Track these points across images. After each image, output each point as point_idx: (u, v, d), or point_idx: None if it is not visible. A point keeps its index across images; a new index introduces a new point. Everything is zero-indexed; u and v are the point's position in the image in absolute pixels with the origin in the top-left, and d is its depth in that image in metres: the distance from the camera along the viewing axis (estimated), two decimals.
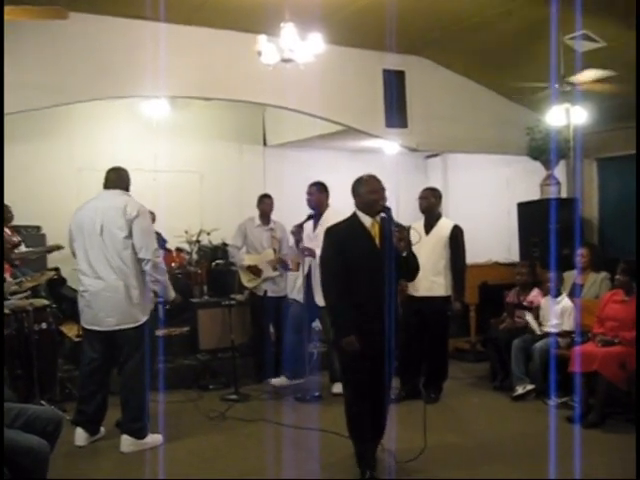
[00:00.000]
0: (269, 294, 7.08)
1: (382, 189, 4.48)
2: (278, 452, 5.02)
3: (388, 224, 4.36)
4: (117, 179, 5.15)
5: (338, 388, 6.08)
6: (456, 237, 6.31)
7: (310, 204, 6.62)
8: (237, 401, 6.28)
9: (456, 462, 4.77)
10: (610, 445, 5.04)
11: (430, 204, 6.41)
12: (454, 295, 6.28)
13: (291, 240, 7.40)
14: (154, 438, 5.12)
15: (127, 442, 4.99)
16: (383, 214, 4.38)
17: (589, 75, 6.96)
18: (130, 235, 4.91)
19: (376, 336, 4.27)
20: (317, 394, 6.42)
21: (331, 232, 4.49)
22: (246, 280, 7.19)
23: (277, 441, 5.26)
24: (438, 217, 6.42)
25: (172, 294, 5.35)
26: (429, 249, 6.17)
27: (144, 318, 5.03)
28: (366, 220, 4.43)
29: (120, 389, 5.12)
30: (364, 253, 4.33)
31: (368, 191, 4.43)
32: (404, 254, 4.35)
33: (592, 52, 7.22)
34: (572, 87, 6.91)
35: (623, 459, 4.71)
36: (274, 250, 7.06)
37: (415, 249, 6.32)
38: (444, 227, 6.34)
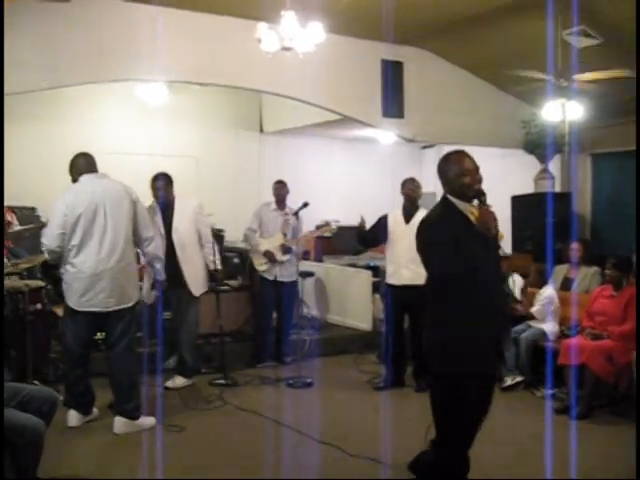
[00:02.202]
0: (279, 278, 7.14)
1: (474, 169, 3.57)
2: (267, 438, 5.08)
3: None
4: (92, 163, 5.12)
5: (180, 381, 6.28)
6: None
7: None
8: (226, 386, 6.33)
9: None
10: (597, 436, 5.11)
11: (417, 194, 6.50)
12: None
13: (305, 228, 7.48)
14: (148, 420, 5.17)
15: (120, 423, 5.04)
16: (477, 201, 3.52)
17: (591, 75, 6.98)
18: (134, 216, 5.01)
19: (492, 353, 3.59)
20: (309, 380, 6.48)
21: (433, 227, 3.59)
22: (258, 263, 7.24)
23: (266, 427, 5.32)
24: (418, 207, 6.47)
25: (164, 275, 5.57)
26: (410, 238, 6.19)
27: (137, 296, 5.14)
28: (464, 207, 3.57)
29: (111, 370, 5.13)
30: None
31: (457, 174, 3.54)
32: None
33: (589, 48, 7.27)
34: (569, 82, 6.93)
35: (610, 450, 4.83)
36: (284, 235, 7.10)
37: (396, 239, 6.46)
38: None
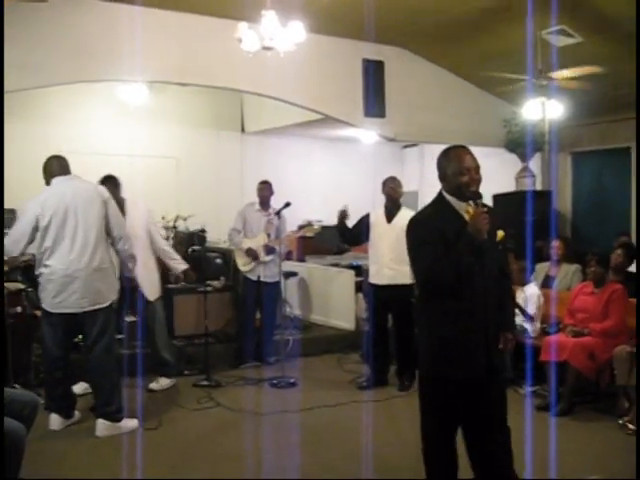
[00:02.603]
0: (262, 279, 7.12)
1: (474, 167, 3.36)
2: (253, 438, 5.07)
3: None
4: (65, 166, 5.11)
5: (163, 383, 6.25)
6: None
7: None
8: (209, 387, 6.31)
9: None
10: (578, 433, 5.15)
11: (398, 194, 6.51)
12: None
13: (289, 228, 7.47)
14: (130, 423, 5.14)
15: (102, 426, 5.01)
16: (472, 202, 3.32)
17: (568, 73, 7.03)
18: (106, 216, 4.99)
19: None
20: (292, 380, 6.47)
21: (423, 225, 3.42)
22: (241, 264, 7.22)
23: (250, 427, 5.31)
24: (399, 207, 6.48)
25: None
26: (392, 238, 6.27)
27: (113, 297, 5.09)
28: (459, 206, 3.37)
29: (90, 373, 5.12)
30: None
31: (455, 172, 3.34)
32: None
33: (568, 47, 7.32)
34: (548, 81, 6.98)
35: (591, 446, 4.87)
36: (267, 235, 7.08)
37: (378, 238, 6.47)
38: (406, 217, 6.38)
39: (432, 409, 3.41)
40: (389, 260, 6.29)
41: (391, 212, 6.42)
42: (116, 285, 5.22)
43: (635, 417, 5.10)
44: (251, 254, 7.08)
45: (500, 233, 3.45)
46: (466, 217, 3.31)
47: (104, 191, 5.07)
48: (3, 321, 5.21)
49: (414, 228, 3.43)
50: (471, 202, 3.30)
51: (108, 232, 5.05)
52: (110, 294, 5.06)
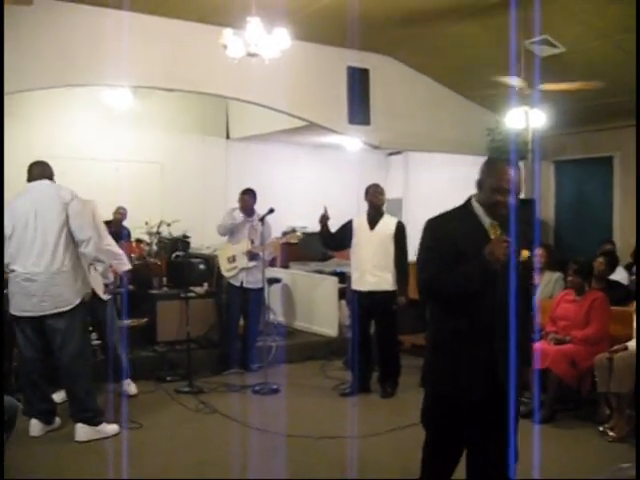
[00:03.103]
0: (245, 285, 7.11)
1: (510, 188, 3.08)
2: (233, 445, 5.05)
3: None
4: (42, 171, 5.12)
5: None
6: (400, 233, 6.41)
7: None
8: (191, 393, 6.28)
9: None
10: (561, 440, 5.16)
11: (381, 200, 6.51)
12: (399, 290, 6.37)
13: (274, 234, 7.44)
14: (110, 427, 5.09)
15: (81, 431, 4.96)
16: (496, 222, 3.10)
17: (559, 87, 7.09)
18: (66, 219, 4.92)
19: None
20: (275, 387, 6.46)
21: (433, 227, 3.20)
22: (225, 269, 7.20)
23: (233, 434, 5.29)
24: (382, 213, 6.50)
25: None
26: (375, 245, 6.30)
27: (77, 301, 4.97)
28: (484, 217, 3.14)
29: (62, 379, 5.09)
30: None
31: (492, 187, 3.09)
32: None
33: (552, 56, 7.39)
34: (531, 90, 7.03)
35: (573, 453, 4.88)
36: (251, 241, 7.06)
37: (361, 245, 6.47)
38: (389, 223, 6.45)
39: (432, 426, 3.31)
40: (372, 267, 6.31)
41: (374, 219, 6.43)
42: (83, 289, 5.07)
43: (618, 423, 5.14)
44: (230, 259, 7.06)
45: (525, 253, 3.18)
46: (491, 233, 3.08)
47: (66, 194, 4.98)
48: (3, 322, 5.18)
49: (426, 229, 3.20)
50: (495, 222, 3.09)
51: (72, 235, 4.98)
52: (73, 298, 4.95)
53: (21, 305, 4.94)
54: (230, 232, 7.19)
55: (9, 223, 4.93)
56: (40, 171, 5.11)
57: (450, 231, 3.10)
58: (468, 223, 3.14)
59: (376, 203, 6.46)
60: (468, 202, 3.21)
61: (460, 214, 3.20)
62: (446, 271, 3.03)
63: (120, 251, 6.00)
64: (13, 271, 4.93)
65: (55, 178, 5.18)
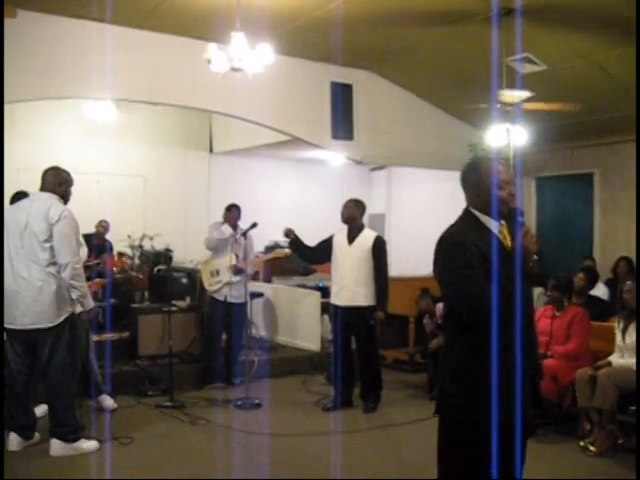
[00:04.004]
0: (229, 299, 7.08)
1: (511, 181, 2.99)
2: (216, 459, 5.03)
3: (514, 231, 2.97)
4: (52, 181, 5.08)
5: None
6: (378, 248, 6.39)
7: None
8: (173, 408, 6.24)
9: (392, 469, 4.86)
10: (542, 454, 5.16)
11: (352, 214, 6.46)
12: (377, 304, 6.34)
13: (256, 249, 7.42)
14: (87, 444, 5.04)
15: (56, 446, 4.91)
16: (503, 221, 2.98)
17: (539, 106, 7.17)
18: (50, 238, 4.85)
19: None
20: (257, 401, 6.43)
21: (459, 244, 2.88)
22: (207, 283, 7.18)
23: (215, 449, 5.26)
24: (361, 228, 6.50)
25: (90, 303, 5.30)
26: (352, 259, 6.31)
27: (60, 319, 4.90)
28: (491, 224, 2.97)
29: (46, 394, 5.04)
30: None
31: (489, 186, 2.94)
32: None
33: (533, 74, 7.47)
34: (512, 107, 7.10)
35: (554, 468, 4.88)
36: (236, 256, 7.04)
37: (340, 260, 6.46)
38: (367, 238, 6.44)
39: (469, 460, 2.90)
40: (349, 282, 6.31)
41: (352, 234, 6.43)
42: (68, 306, 4.97)
43: (599, 438, 5.17)
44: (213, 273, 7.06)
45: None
46: (501, 237, 2.94)
47: (54, 214, 4.87)
48: (2, 325, 5.13)
49: (452, 248, 2.90)
50: (503, 222, 2.95)
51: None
52: (55, 316, 4.88)
53: (8, 317, 4.89)
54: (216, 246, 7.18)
55: (5, 232, 4.92)
56: (43, 182, 5.08)
57: (476, 245, 2.85)
58: (481, 233, 2.93)
59: (348, 217, 6.46)
60: (468, 213, 3.02)
61: (470, 226, 2.97)
62: (487, 283, 2.78)
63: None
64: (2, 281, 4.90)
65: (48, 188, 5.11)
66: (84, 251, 5.71)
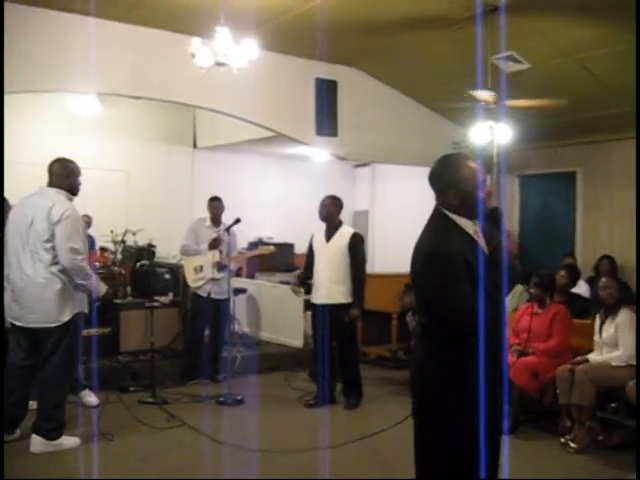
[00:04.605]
0: (212, 295, 7.06)
1: (485, 180, 2.88)
2: (197, 456, 5.01)
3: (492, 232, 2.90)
4: (58, 173, 5.01)
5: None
6: (355, 244, 6.37)
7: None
8: (154, 404, 6.22)
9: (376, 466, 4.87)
10: (523, 451, 5.19)
11: (330, 212, 6.44)
12: (353, 301, 6.32)
13: (239, 245, 7.39)
14: (68, 440, 5.01)
15: (37, 441, 4.88)
16: (477, 222, 2.86)
17: (524, 103, 7.19)
18: (52, 238, 4.83)
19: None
20: (239, 398, 6.42)
21: (447, 256, 2.74)
22: (191, 280, 7.15)
23: (197, 445, 5.25)
24: (339, 225, 6.47)
25: (102, 289, 5.34)
26: (329, 257, 6.31)
27: (65, 318, 4.89)
28: (466, 225, 2.85)
29: (38, 387, 5.02)
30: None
31: (468, 186, 2.80)
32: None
33: (517, 72, 7.51)
34: (497, 105, 7.13)
35: (535, 464, 4.91)
36: (220, 252, 7.02)
37: (318, 258, 6.40)
38: (344, 234, 6.43)
39: (461, 468, 2.83)
40: (326, 279, 6.30)
41: (330, 231, 6.42)
42: (73, 306, 4.95)
43: (579, 434, 5.21)
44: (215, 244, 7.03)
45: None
46: (475, 238, 2.84)
47: (56, 214, 4.82)
48: (3, 325, 5.14)
49: (440, 261, 2.75)
50: (477, 222, 2.84)
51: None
52: (60, 315, 4.87)
53: (14, 314, 4.92)
54: (197, 242, 7.16)
55: (10, 227, 4.92)
56: (50, 175, 5.02)
57: (462, 254, 2.74)
58: (463, 239, 2.81)
59: (323, 215, 6.45)
60: (442, 215, 2.87)
61: (450, 231, 2.83)
62: (475, 294, 2.69)
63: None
64: (8, 277, 4.93)
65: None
66: None
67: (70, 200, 5.00)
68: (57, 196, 4.94)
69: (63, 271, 4.87)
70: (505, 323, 2.87)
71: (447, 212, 2.84)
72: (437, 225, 2.86)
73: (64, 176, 5.01)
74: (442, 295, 2.76)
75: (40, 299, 4.83)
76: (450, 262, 2.72)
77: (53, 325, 4.87)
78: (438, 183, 2.88)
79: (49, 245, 4.82)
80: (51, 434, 4.91)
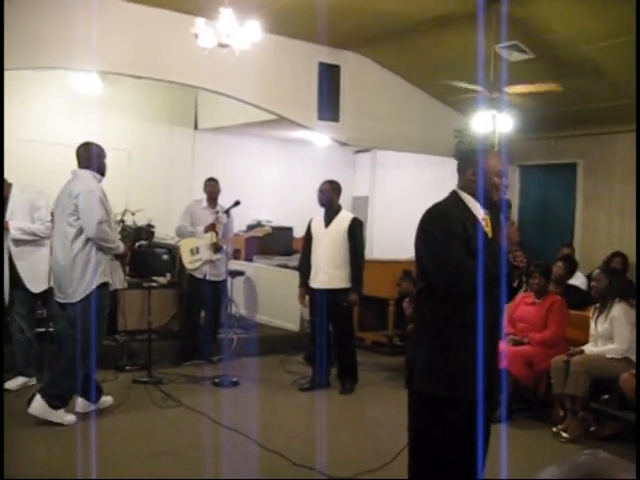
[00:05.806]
0: (208, 277, 7.07)
1: (506, 173, 3.05)
2: (189, 436, 5.04)
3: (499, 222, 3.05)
4: (85, 155, 5.27)
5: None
6: (354, 229, 6.38)
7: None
8: (149, 383, 6.24)
9: (367, 457, 4.90)
10: (517, 440, 5.21)
11: (329, 197, 6.44)
12: (352, 286, 6.34)
13: (237, 228, 7.40)
14: (66, 416, 5.04)
15: (38, 403, 4.94)
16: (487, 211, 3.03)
17: (523, 88, 7.17)
18: (74, 212, 5.02)
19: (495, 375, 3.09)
20: (234, 379, 6.45)
21: (444, 216, 2.98)
22: (187, 261, 7.16)
23: (190, 425, 5.28)
24: (338, 210, 6.47)
25: (122, 248, 5.46)
26: (328, 242, 6.31)
27: (80, 297, 5.01)
28: (476, 209, 3.02)
29: (59, 347, 5.37)
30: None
31: (495, 171, 2.99)
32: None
33: (520, 62, 7.48)
34: (499, 95, 7.11)
35: (528, 453, 4.93)
36: (216, 233, 7.03)
37: (317, 242, 6.44)
38: (343, 220, 6.43)
39: (450, 437, 2.95)
40: (325, 264, 6.31)
41: (329, 216, 6.42)
42: (88, 284, 5.01)
43: (571, 424, 5.24)
44: (209, 228, 7.04)
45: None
46: (484, 225, 2.98)
47: (74, 189, 5.05)
48: (3, 321, 5.28)
49: (436, 219, 2.98)
50: (487, 211, 3.01)
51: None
52: (75, 293, 5.02)
53: (54, 289, 5.29)
54: (193, 224, 7.17)
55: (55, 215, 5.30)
56: (78, 159, 5.28)
57: (460, 219, 2.93)
58: (466, 213, 2.98)
59: (322, 199, 6.44)
60: (456, 194, 3.06)
61: (455, 204, 3.02)
62: (468, 257, 2.85)
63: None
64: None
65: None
66: None
67: (95, 179, 5.23)
68: (85, 175, 5.19)
69: (82, 249, 5.03)
70: (496, 302, 2.97)
71: (462, 193, 3.03)
72: (446, 200, 3.07)
73: (93, 157, 5.26)
74: (433, 249, 2.96)
75: (63, 277, 5.06)
76: (446, 221, 2.93)
77: (71, 301, 5.07)
78: (463, 162, 3.09)
79: (72, 219, 5.02)
80: (53, 401, 4.97)
